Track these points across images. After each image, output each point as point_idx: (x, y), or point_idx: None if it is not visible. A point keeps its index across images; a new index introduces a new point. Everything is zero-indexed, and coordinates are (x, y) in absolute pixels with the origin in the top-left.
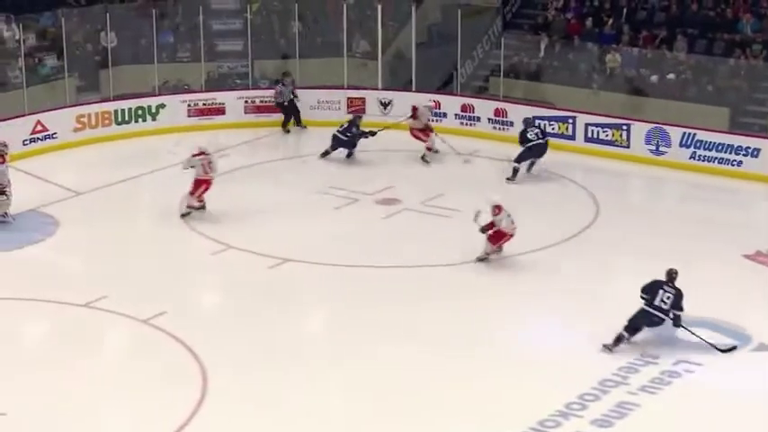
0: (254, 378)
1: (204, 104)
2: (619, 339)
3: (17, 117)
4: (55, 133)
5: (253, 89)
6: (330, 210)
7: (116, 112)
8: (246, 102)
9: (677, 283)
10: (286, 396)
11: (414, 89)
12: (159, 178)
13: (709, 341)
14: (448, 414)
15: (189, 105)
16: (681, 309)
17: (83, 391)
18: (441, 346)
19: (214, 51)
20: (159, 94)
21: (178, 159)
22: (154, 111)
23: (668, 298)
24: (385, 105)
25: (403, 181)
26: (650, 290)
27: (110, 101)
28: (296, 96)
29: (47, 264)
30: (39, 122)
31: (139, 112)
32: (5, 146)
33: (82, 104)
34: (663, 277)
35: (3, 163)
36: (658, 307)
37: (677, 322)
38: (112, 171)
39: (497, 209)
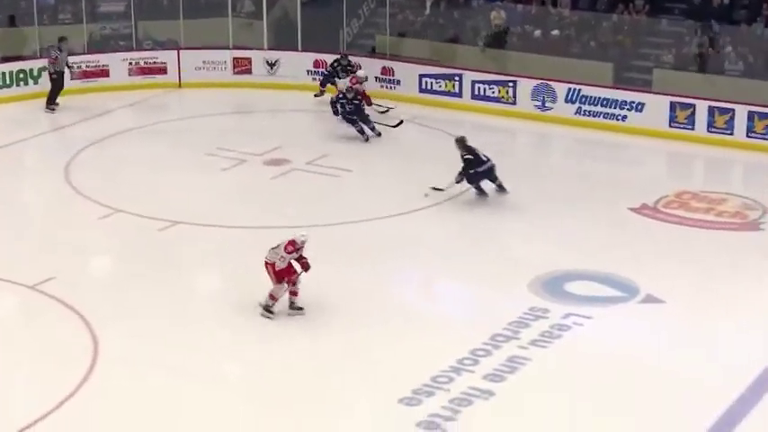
0: (146, 343)
1: (88, 67)
2: (481, 193)
3: None
4: None
5: (137, 51)
6: (218, 171)
7: None
8: (131, 63)
9: None
10: (179, 360)
11: (300, 49)
12: (42, 142)
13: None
14: (340, 375)
15: (72, 68)
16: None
17: None
18: (330, 307)
19: (96, 13)
20: (41, 57)
21: None
22: (36, 74)
23: (483, 152)
24: (271, 65)
25: (291, 141)
26: (474, 156)
27: None
28: (70, 66)
29: None
30: None
31: (21, 75)
32: None
33: None
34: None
35: None
36: (485, 158)
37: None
38: None
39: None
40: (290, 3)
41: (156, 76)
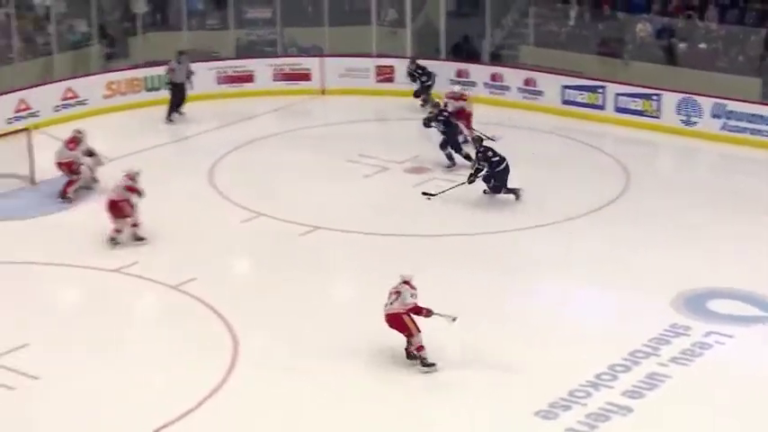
0: (284, 347)
1: (234, 72)
2: (515, 193)
3: (48, 83)
4: (86, 99)
5: (281, 57)
6: (360, 178)
7: (146, 78)
8: (275, 69)
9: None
10: (316, 364)
11: (443, 58)
12: (187, 145)
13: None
14: (479, 385)
15: (218, 72)
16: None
17: (114, 356)
18: (470, 317)
19: (242, 19)
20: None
21: None
22: None
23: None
24: None
25: (432, 150)
26: (492, 155)
27: (140, 67)
28: (189, 80)
29: (79, 230)
30: (69, 89)
31: (168, 79)
32: (80, 132)
33: (112, 71)
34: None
35: (75, 148)
36: (501, 157)
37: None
38: (143, 137)
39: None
40: (434, 12)
41: (300, 82)
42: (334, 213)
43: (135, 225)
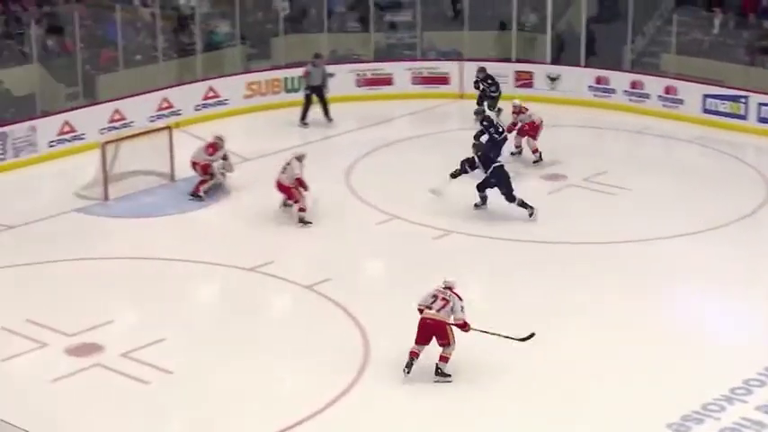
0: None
1: (373, 74)
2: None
3: (190, 83)
4: (226, 99)
5: (420, 60)
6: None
7: (286, 79)
8: (414, 73)
9: None
10: (448, 368)
11: (583, 64)
12: (326, 146)
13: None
14: (611, 395)
15: (357, 75)
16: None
17: (246, 354)
18: (603, 325)
19: (382, 21)
20: (328, 63)
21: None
22: None
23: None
24: (553, 80)
25: (568, 156)
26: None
27: (280, 68)
28: (325, 85)
29: (214, 228)
30: (211, 88)
31: (306, 82)
32: (221, 140)
33: (252, 72)
34: None
35: (213, 154)
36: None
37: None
38: (281, 138)
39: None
40: (575, 17)
41: (439, 86)
42: (467, 218)
43: (302, 210)
